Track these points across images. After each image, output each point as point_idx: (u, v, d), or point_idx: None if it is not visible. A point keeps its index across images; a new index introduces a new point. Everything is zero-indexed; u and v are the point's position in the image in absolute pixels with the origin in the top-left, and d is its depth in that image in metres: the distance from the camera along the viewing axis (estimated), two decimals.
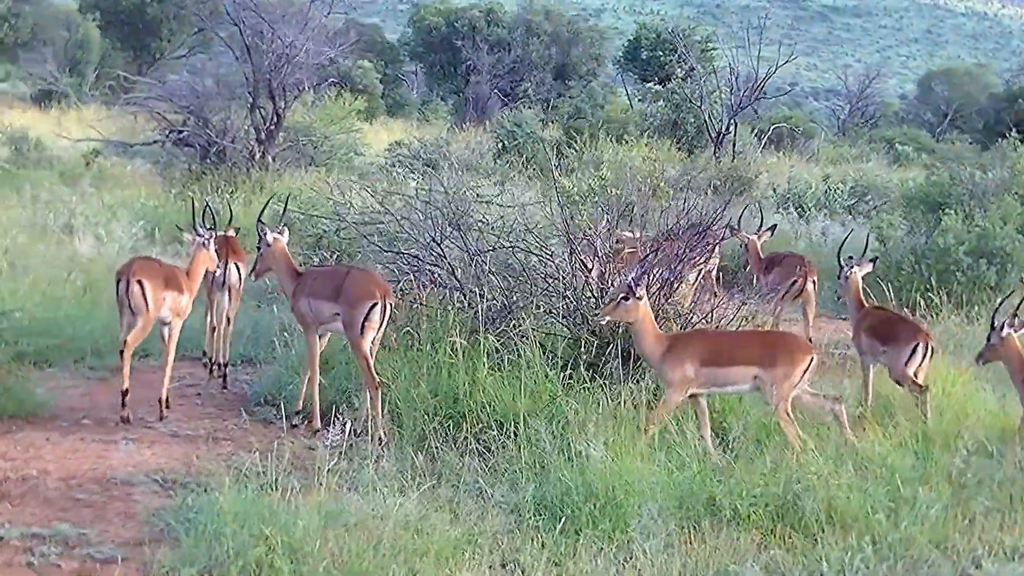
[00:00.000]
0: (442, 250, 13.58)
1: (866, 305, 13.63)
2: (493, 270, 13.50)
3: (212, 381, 14.60)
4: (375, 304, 12.21)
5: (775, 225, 18.29)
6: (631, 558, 9.45)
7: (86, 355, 14.99)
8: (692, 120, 35.70)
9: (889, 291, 17.08)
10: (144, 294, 12.70)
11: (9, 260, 17.50)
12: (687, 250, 13.51)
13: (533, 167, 29.04)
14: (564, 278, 13.34)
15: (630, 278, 11.52)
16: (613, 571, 9.31)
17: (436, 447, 11.30)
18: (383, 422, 12.01)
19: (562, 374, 12.27)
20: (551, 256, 13.47)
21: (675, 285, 13.43)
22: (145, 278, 12.72)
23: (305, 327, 12.77)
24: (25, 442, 11.97)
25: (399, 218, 14.44)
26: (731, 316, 13.61)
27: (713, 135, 35.45)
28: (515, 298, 13.25)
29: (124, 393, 12.69)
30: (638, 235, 14.31)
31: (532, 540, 9.65)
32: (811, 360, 11.44)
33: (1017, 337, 11.74)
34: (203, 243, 13.58)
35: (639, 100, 38.65)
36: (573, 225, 13.52)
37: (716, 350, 11.48)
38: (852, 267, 13.77)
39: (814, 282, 16.47)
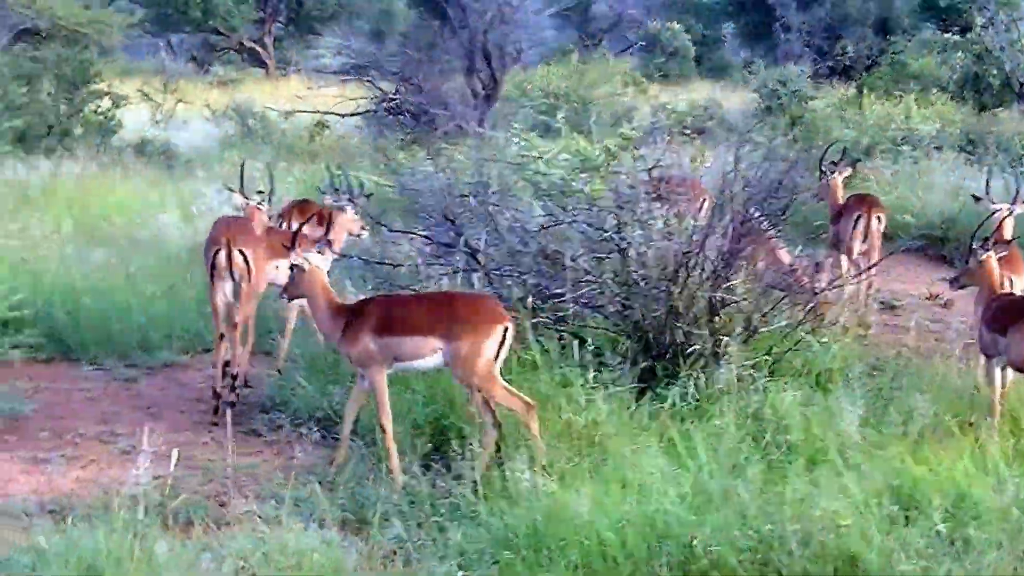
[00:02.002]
0: (458, 228, 11.41)
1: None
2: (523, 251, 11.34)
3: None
4: None
5: (857, 160, 16.43)
6: None
7: (132, 349, 13.57)
8: (995, 72, 31.95)
9: None
10: (247, 261, 11.65)
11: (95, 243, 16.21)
12: (741, 225, 11.03)
13: (799, 128, 26.29)
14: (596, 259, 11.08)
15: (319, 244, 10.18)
16: None
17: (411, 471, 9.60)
18: None
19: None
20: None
21: (730, 268, 10.96)
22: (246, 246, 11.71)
23: None
24: None
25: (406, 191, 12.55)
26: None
27: (1018, 88, 31.72)
28: (542, 284, 11.02)
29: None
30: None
31: None
32: (505, 330, 9.62)
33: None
34: (257, 206, 12.71)
35: (936, 52, 35.15)
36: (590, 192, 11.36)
37: (392, 317, 9.77)
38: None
39: (879, 218, 14.37)
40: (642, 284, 10.83)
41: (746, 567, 7.94)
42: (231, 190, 13.11)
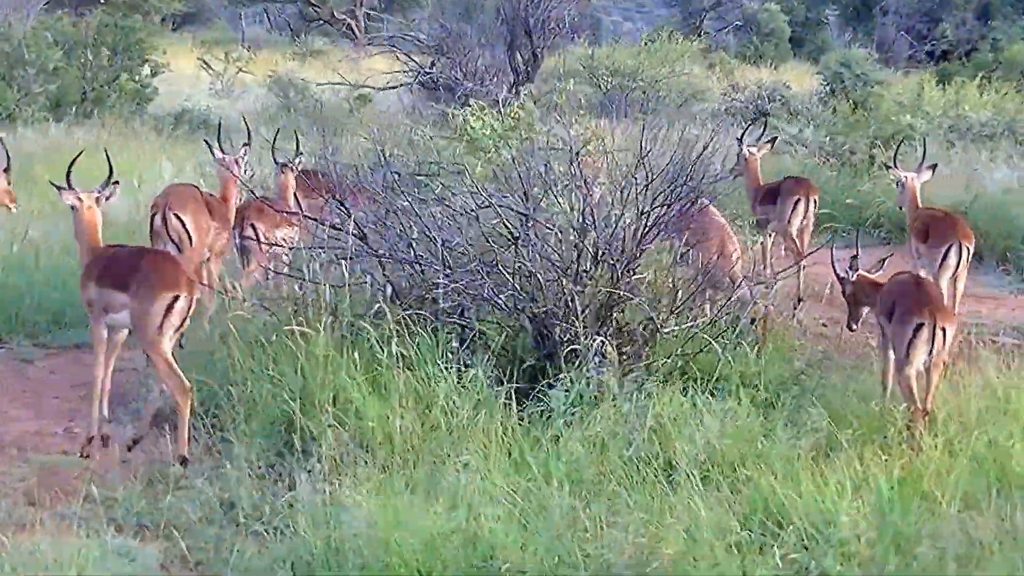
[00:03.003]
0: (346, 207, 10.51)
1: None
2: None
3: None
4: None
5: (775, 138, 15.60)
6: None
7: (42, 328, 12.81)
8: None
9: None
10: (185, 227, 11.58)
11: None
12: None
13: (861, 112, 25.04)
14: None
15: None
16: None
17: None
18: None
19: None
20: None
21: (636, 255, 9.97)
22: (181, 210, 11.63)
23: None
24: None
25: None
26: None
27: None
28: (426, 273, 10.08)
29: None
30: None
31: None
32: (175, 299, 9.13)
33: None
34: (235, 160, 12.58)
35: (1021, 39, 33.55)
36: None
37: (107, 268, 9.46)
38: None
39: (815, 201, 14.29)
40: (536, 276, 9.82)
41: None
42: (208, 144, 12.91)
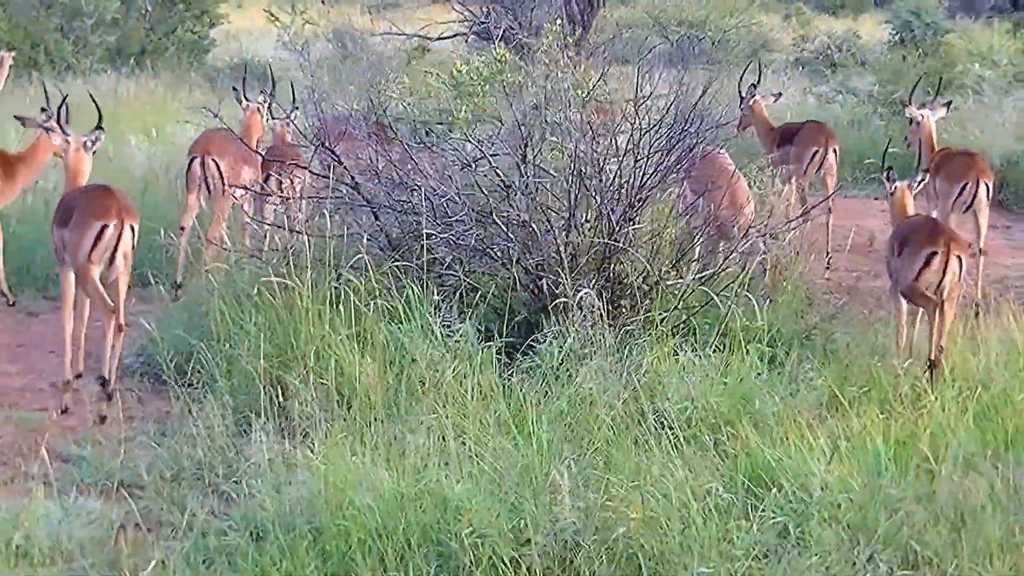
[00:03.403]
0: (336, 155, 10.17)
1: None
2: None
3: None
4: None
5: (780, 93, 15.63)
6: None
7: (49, 283, 12.54)
8: None
9: None
10: (221, 173, 12.09)
11: None
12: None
13: (932, 63, 24.32)
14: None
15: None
16: None
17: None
18: None
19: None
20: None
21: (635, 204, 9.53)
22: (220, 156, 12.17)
23: None
24: None
25: None
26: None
27: None
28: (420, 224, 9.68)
29: None
30: None
31: None
32: (102, 228, 9.12)
33: None
34: (256, 108, 12.99)
35: None
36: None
37: (61, 208, 9.54)
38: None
39: (835, 151, 14.02)
40: (530, 226, 9.43)
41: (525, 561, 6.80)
42: (235, 89, 13.39)
